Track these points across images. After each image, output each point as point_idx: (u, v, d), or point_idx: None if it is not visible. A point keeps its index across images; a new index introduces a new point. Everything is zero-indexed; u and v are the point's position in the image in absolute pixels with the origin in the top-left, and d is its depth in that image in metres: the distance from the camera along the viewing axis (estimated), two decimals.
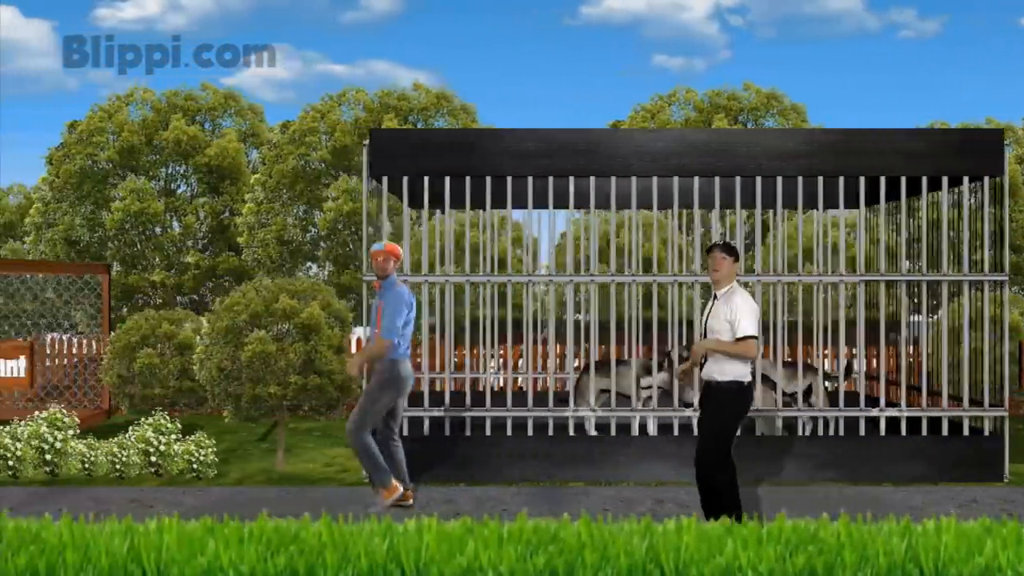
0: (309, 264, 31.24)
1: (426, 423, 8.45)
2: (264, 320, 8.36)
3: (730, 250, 6.81)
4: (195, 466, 8.83)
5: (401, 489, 7.58)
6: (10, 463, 8.87)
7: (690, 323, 18.26)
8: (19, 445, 9.05)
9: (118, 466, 8.93)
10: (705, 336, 6.81)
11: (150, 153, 30.98)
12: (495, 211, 9.94)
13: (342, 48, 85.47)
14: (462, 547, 4.52)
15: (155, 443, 9.03)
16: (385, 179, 8.24)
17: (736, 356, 6.65)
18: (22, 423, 9.31)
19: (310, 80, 77.56)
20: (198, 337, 9.17)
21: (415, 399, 9.51)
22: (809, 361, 11.72)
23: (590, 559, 4.45)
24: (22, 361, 8.86)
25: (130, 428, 9.27)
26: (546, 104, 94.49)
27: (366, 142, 8.25)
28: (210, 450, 8.80)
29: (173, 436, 9.11)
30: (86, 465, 9.00)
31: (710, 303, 6.90)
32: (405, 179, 8.27)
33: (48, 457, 9.12)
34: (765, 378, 9.14)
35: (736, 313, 6.71)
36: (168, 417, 9.24)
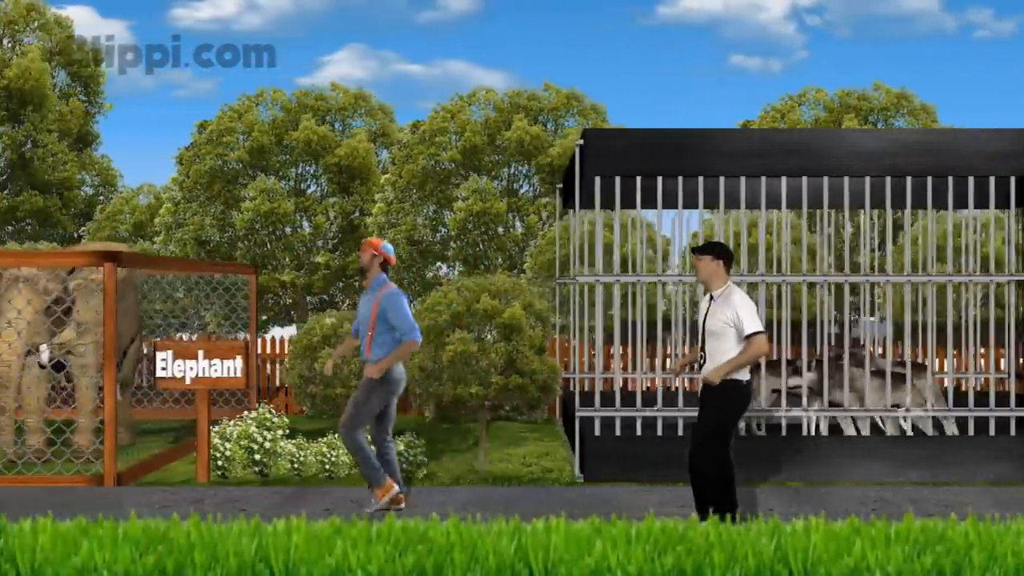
0: (439, 264, 31.90)
1: (618, 423, 8.76)
2: (465, 320, 8.70)
3: (708, 250, 6.88)
4: (404, 466, 9.08)
5: (396, 488, 7.81)
6: (219, 463, 9.32)
7: (840, 323, 18.25)
8: (228, 445, 9.45)
9: (327, 466, 9.24)
10: (703, 336, 6.87)
11: (280, 153, 32.06)
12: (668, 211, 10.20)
13: (418, 48, 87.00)
14: (590, 547, 4.63)
15: (259, 440, 9.37)
16: (598, 179, 8.56)
17: (752, 359, 6.70)
18: (231, 423, 9.72)
19: (386, 79, 79.14)
20: None
21: (602, 399, 9.81)
22: (921, 360, 11.76)
23: (718, 559, 4.51)
24: (238, 361, 9.28)
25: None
26: (620, 104, 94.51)
27: (580, 141, 8.59)
28: (419, 450, 9.08)
29: (279, 432, 9.44)
30: (295, 465, 9.36)
31: (706, 304, 7.00)
32: (617, 179, 8.56)
33: (257, 457, 9.45)
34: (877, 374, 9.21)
35: (737, 313, 6.78)
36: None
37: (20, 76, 35.46)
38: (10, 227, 37.40)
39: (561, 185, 13.74)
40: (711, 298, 6.97)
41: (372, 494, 7.82)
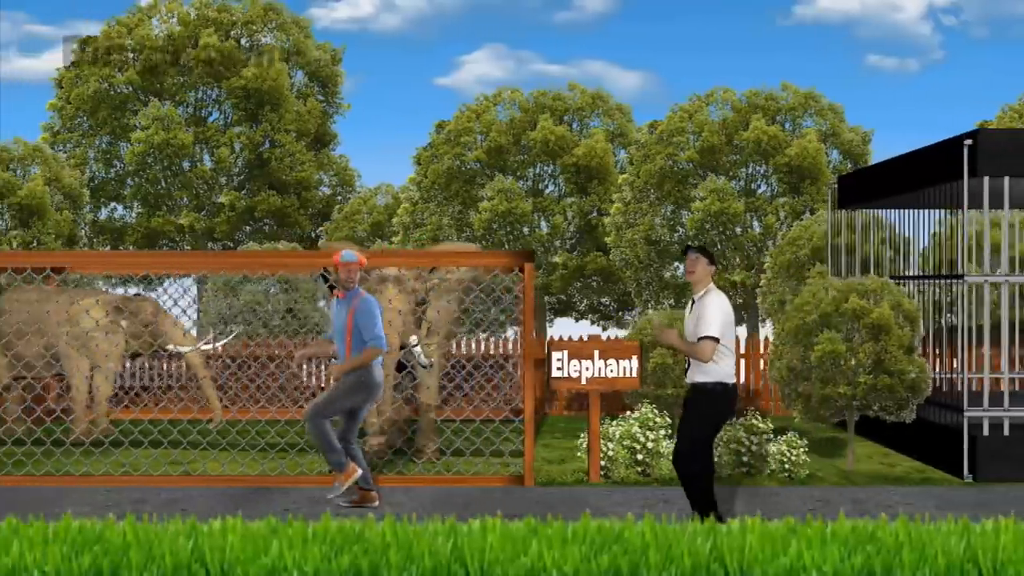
0: (676, 264, 33.71)
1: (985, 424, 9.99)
2: (834, 320, 9.67)
3: (705, 252, 7.41)
4: (787, 466, 9.71)
5: (359, 472, 8.51)
6: (601, 463, 9.86)
7: None
8: (611, 445, 9.96)
9: None
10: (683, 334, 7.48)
11: (518, 153, 34.55)
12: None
13: (556, 48, 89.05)
14: (526, 547, 4.95)
15: (746, 443, 9.83)
16: (986, 179, 9.62)
17: (691, 357, 7.27)
18: (614, 423, 10.19)
19: (524, 79, 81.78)
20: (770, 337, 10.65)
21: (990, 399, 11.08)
22: None
23: (654, 559, 4.76)
24: (634, 361, 9.90)
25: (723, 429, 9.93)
26: None
27: (967, 141, 9.66)
28: (801, 450, 9.79)
29: (764, 436, 9.89)
30: None
31: (689, 307, 7.53)
32: (1006, 179, 9.60)
33: (639, 457, 9.94)
34: None
35: (703, 314, 7.28)
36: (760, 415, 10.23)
37: (258, 76, 39.06)
38: (248, 227, 41.23)
39: (836, 184, 14.84)
40: (692, 300, 7.49)
41: (335, 478, 8.50)
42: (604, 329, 36.24)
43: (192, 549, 4.88)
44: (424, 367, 11.44)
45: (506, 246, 34.30)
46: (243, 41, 41.36)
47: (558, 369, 9.93)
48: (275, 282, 16.76)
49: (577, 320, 36.21)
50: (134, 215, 43.49)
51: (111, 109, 42.13)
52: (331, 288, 11.13)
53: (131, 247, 41.76)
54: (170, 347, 12.81)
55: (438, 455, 11.40)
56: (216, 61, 39.48)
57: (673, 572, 4.75)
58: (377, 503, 8.71)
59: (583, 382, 9.90)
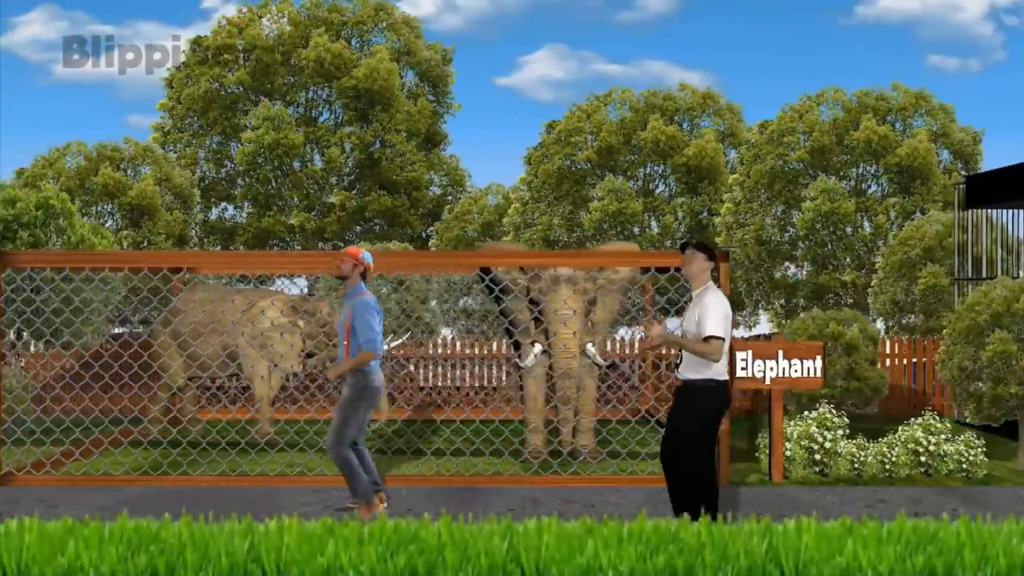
0: (787, 264, 35.53)
1: None
2: (1005, 320, 10.16)
3: (702, 248, 7.70)
4: (964, 466, 10.08)
5: (382, 507, 8.81)
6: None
7: None
8: (788, 445, 10.26)
9: (887, 466, 10.19)
10: (682, 334, 7.67)
11: (628, 153, 36.72)
12: None
13: (617, 48, 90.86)
14: (582, 547, 5.10)
15: (924, 443, 10.18)
16: None
17: (700, 356, 7.47)
18: (792, 423, 10.57)
19: (585, 80, 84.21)
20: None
21: None
22: None
23: (710, 559, 4.90)
24: (818, 361, 10.20)
25: (899, 428, 10.62)
26: None
27: None
28: (979, 450, 10.18)
29: (943, 436, 10.28)
30: (856, 465, 10.25)
31: (691, 303, 7.78)
32: None
33: (817, 457, 10.25)
34: None
35: (705, 313, 7.50)
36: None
37: (369, 76, 41.52)
38: (359, 227, 43.86)
39: (963, 184, 15.67)
40: (692, 298, 7.75)
41: (356, 506, 8.84)
42: None
43: (248, 549, 5.02)
44: (600, 367, 12.04)
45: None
46: (353, 41, 43.98)
47: (742, 369, 10.23)
48: (387, 282, 17.20)
49: None
50: (244, 215, 45.75)
51: (222, 109, 44.53)
52: (492, 286, 11.95)
53: (241, 247, 43.74)
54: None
55: (596, 455, 11.74)
56: (326, 61, 42.08)
57: (729, 572, 4.84)
58: (384, 505, 8.97)
59: (767, 382, 10.24)
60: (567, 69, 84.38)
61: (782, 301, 35.03)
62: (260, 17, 45.42)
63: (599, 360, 11.93)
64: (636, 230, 36.09)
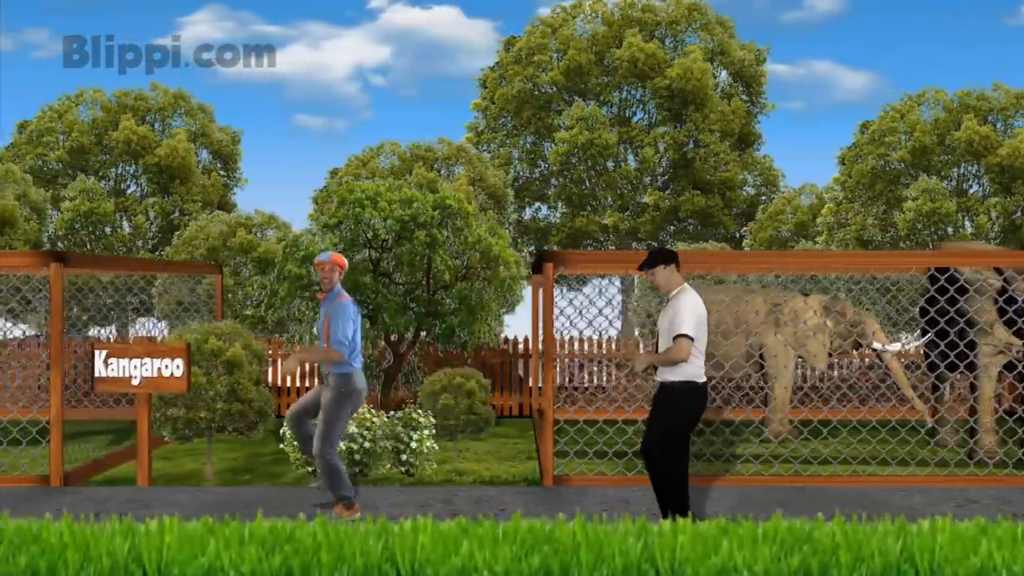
0: None
1: None
2: None
3: (656, 261, 8.59)
4: None
5: (360, 512, 9.84)
6: None
7: None
8: None
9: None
10: (657, 337, 8.63)
11: (941, 153, 42.39)
12: None
13: (784, 48, 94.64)
14: (716, 547, 5.83)
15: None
16: None
17: (668, 361, 8.36)
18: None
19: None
20: None
21: None
22: None
23: (845, 559, 5.51)
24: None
25: None
26: None
27: None
28: None
29: None
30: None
31: (664, 306, 8.62)
32: None
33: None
34: None
35: (676, 313, 8.40)
36: None
37: (682, 76, 48.05)
38: (672, 227, 50.13)
39: None
40: (666, 302, 8.50)
41: (337, 505, 9.85)
42: None
43: (382, 549, 5.62)
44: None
45: (929, 246, 42.38)
46: (667, 41, 51.25)
47: None
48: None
49: None
50: (558, 215, 51.92)
51: (535, 109, 51.24)
52: (947, 286, 13.58)
53: (555, 247, 48.90)
54: (876, 346, 14.87)
55: (996, 451, 13.48)
56: (640, 61, 48.12)
57: (864, 572, 5.28)
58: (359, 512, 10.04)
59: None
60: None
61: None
62: (573, 17, 52.42)
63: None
64: (949, 230, 42.07)
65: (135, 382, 11.68)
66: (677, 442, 8.58)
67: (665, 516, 8.68)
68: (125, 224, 43.51)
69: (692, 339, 8.38)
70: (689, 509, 8.63)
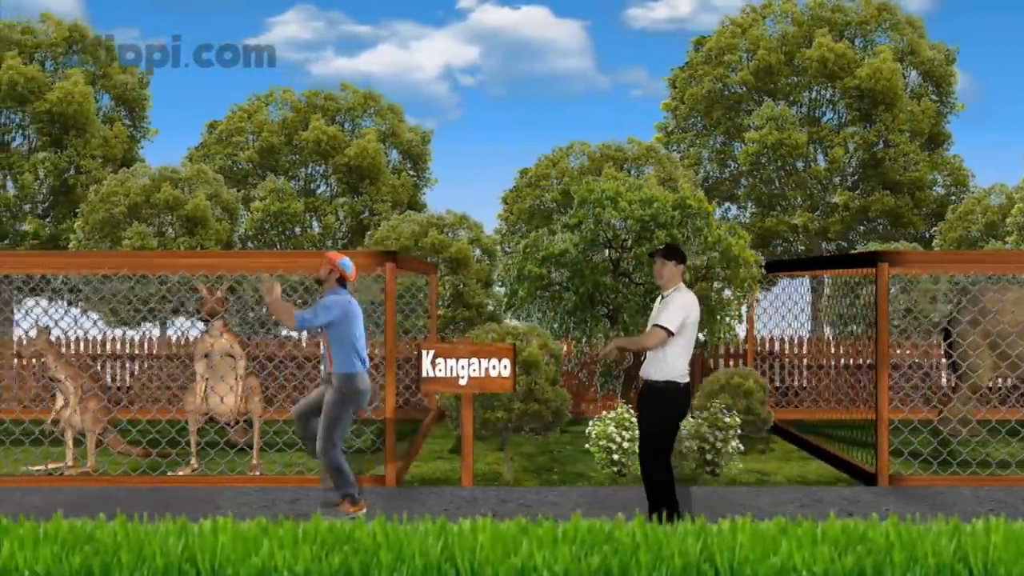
0: None
1: None
2: None
3: (670, 254, 8.56)
4: None
5: (365, 508, 9.96)
6: None
7: None
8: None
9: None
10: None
11: None
12: None
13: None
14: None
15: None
16: None
17: (638, 346, 8.44)
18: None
19: None
20: None
21: None
22: None
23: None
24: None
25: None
26: None
27: None
28: None
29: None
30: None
31: (656, 303, 8.67)
32: None
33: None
34: None
35: (667, 307, 8.43)
36: None
37: (871, 76, 47.26)
38: (861, 227, 50.25)
39: None
40: (661, 298, 8.56)
41: (342, 504, 10.01)
42: None
43: (441, 549, 5.74)
44: None
45: None
46: (856, 41, 51.63)
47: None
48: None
49: None
50: (748, 215, 50.99)
51: (725, 109, 51.61)
52: None
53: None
54: None
55: None
56: (829, 61, 48.63)
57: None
58: (366, 509, 10.18)
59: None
60: None
61: None
62: (763, 17, 53.24)
63: None
64: None
65: (462, 382, 11.91)
66: (661, 442, 8.66)
67: (651, 517, 8.68)
68: (315, 224, 44.25)
69: (671, 332, 8.46)
70: (678, 509, 8.70)
